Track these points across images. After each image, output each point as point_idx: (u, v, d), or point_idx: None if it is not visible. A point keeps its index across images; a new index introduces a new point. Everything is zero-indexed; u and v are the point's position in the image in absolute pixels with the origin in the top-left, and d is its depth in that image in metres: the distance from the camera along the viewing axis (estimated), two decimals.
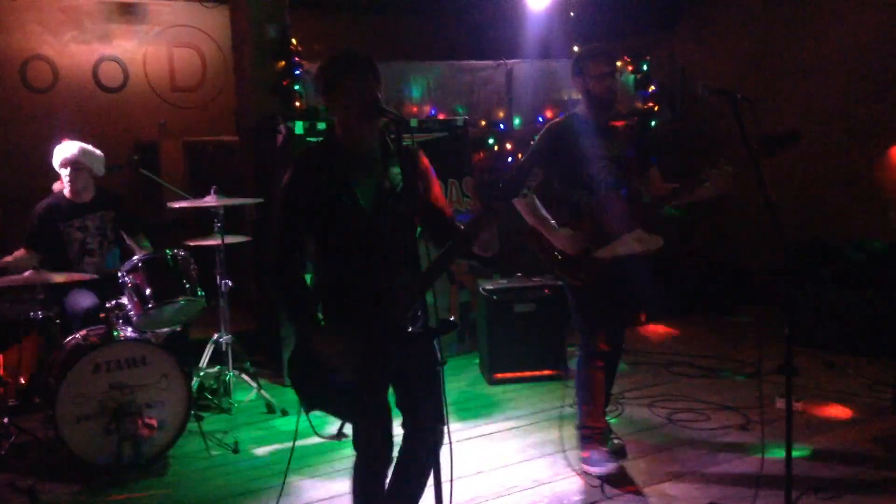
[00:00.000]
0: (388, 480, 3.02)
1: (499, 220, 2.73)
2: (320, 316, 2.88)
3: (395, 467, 3.04)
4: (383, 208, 2.85)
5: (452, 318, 2.87)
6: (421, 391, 2.92)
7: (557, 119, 4.20)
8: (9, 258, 4.97)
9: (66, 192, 5.11)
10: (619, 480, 4.03)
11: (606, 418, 4.39)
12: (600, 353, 4.10)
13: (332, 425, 4.65)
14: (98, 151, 5.16)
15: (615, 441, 4.32)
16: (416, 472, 3.05)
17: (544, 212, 4.08)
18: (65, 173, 5.05)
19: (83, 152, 5.06)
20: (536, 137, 4.16)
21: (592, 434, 4.18)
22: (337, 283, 2.89)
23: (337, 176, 2.82)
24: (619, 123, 4.15)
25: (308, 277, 3.09)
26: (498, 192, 2.71)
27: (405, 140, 2.70)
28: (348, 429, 2.98)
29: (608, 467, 4.09)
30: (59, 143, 5.13)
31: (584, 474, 4.09)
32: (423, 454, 2.98)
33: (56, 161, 5.06)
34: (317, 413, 2.90)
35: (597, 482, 3.99)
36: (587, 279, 4.01)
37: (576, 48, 7.83)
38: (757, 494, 3.65)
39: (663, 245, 4.02)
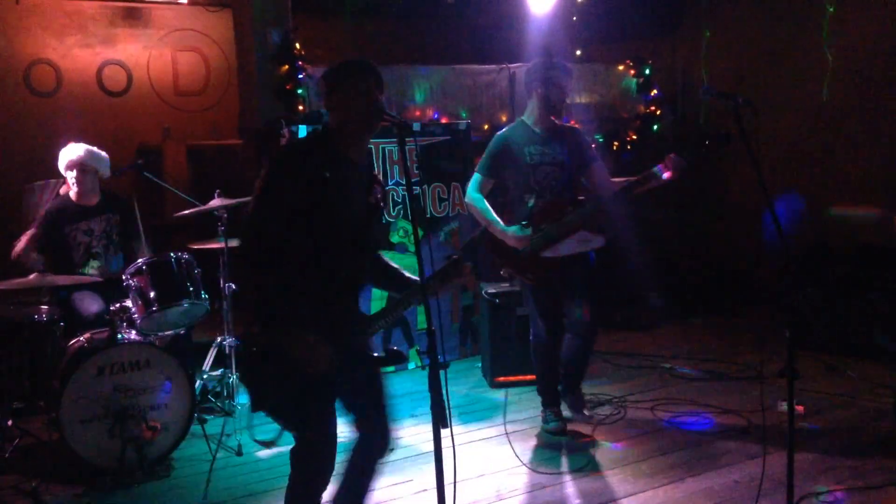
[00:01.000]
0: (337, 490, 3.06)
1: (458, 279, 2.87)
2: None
3: (344, 474, 3.06)
4: (365, 220, 2.92)
5: (400, 351, 2.98)
6: (368, 396, 2.97)
7: (504, 129, 4.62)
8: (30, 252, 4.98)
9: (72, 194, 5.13)
10: (622, 484, 4.04)
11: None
12: (546, 337, 4.59)
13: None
14: (103, 153, 5.18)
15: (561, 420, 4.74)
16: (364, 478, 3.09)
17: (493, 215, 4.46)
18: (71, 175, 5.06)
19: (89, 154, 5.08)
20: (488, 147, 4.59)
21: (543, 395, 4.79)
22: (308, 282, 2.79)
23: (334, 178, 2.80)
24: (565, 129, 4.56)
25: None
26: (482, 234, 2.96)
27: (408, 144, 2.75)
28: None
29: (558, 425, 4.67)
30: (64, 147, 5.15)
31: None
32: (370, 460, 3.05)
33: (62, 163, 5.07)
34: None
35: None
36: (536, 277, 4.42)
37: (577, 52, 7.88)
38: (759, 497, 3.66)
39: (606, 244, 4.43)
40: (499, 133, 4.61)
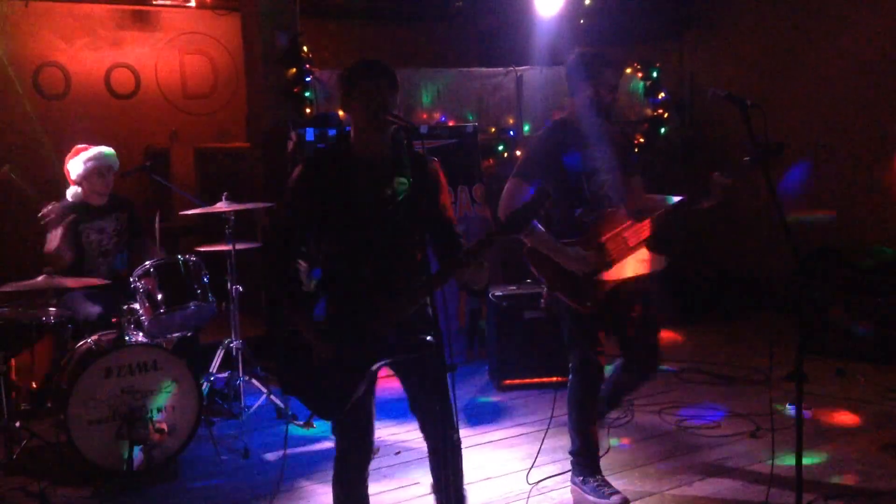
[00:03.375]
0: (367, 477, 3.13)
1: (491, 250, 2.78)
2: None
3: (431, 470, 3.14)
4: (381, 216, 2.90)
5: (430, 338, 2.79)
6: (428, 396, 2.96)
7: (547, 128, 3.96)
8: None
9: (84, 195, 5.15)
10: (629, 488, 4.03)
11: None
12: (594, 375, 3.86)
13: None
14: (108, 148, 5.21)
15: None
16: (447, 469, 3.04)
17: (544, 231, 3.74)
18: (96, 179, 5.10)
19: (101, 155, 5.12)
20: (527, 149, 3.94)
21: (586, 461, 3.90)
22: (333, 284, 2.97)
23: (341, 179, 2.90)
24: (614, 131, 3.94)
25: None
26: (501, 228, 2.74)
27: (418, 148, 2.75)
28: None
29: (613, 500, 3.76)
30: (72, 150, 5.16)
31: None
32: (446, 452, 3.00)
33: (79, 169, 5.08)
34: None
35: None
36: (593, 304, 3.72)
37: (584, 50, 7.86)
38: (767, 501, 3.64)
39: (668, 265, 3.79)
40: (542, 133, 3.95)
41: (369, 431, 3.08)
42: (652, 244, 3.73)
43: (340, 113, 6.32)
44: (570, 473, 4.01)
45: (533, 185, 3.74)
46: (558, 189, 3.72)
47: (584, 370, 3.84)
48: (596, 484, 3.84)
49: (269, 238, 3.03)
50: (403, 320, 2.86)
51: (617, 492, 3.80)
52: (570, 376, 3.91)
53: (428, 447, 3.11)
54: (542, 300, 4.00)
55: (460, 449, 3.01)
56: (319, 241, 2.99)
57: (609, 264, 3.71)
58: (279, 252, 2.96)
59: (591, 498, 3.83)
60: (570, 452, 3.97)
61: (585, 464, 3.90)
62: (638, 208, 3.85)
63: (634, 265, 3.74)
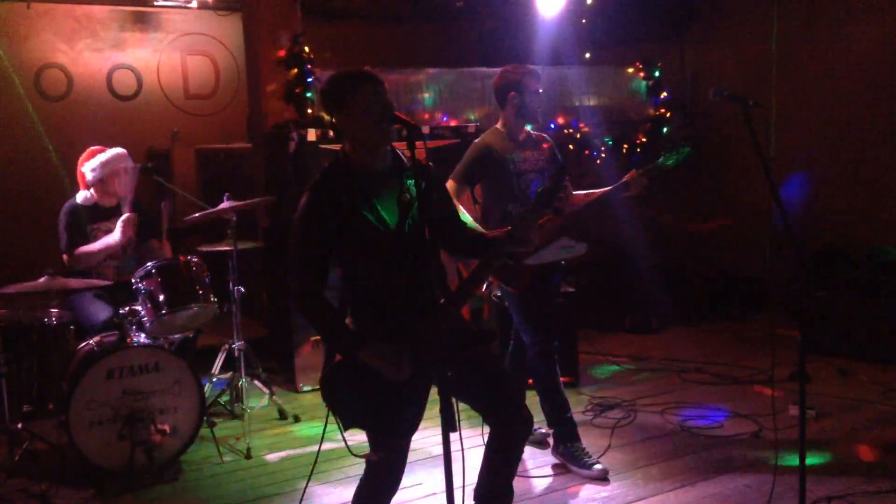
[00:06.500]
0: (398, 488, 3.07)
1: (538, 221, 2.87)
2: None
3: (488, 462, 3.26)
4: (407, 221, 2.86)
5: (491, 329, 2.91)
6: (493, 378, 3.04)
7: (480, 138, 4.45)
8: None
9: (98, 196, 5.15)
10: (632, 488, 4.02)
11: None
12: (549, 351, 4.31)
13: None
14: (117, 149, 5.21)
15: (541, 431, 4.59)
16: (507, 466, 3.27)
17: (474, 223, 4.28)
18: (112, 180, 5.10)
19: (116, 157, 5.13)
20: (466, 155, 4.37)
21: (564, 430, 4.33)
22: (370, 303, 2.89)
23: (357, 195, 2.81)
24: (539, 137, 4.45)
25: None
26: (535, 204, 2.84)
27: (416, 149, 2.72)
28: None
29: (595, 470, 4.16)
30: (86, 152, 5.16)
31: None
32: (517, 442, 3.20)
33: (97, 173, 5.07)
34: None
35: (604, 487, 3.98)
36: (520, 286, 4.22)
37: (587, 55, 7.86)
38: (770, 501, 3.64)
39: (587, 251, 4.20)
40: (477, 141, 4.43)
41: (407, 450, 3.03)
42: (572, 233, 4.16)
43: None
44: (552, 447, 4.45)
45: (468, 187, 4.38)
46: (494, 188, 4.32)
47: (538, 347, 4.31)
48: (578, 452, 4.27)
49: (297, 276, 2.82)
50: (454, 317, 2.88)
51: (598, 462, 4.21)
52: (529, 356, 4.37)
53: (497, 432, 3.17)
54: (495, 293, 4.50)
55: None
56: (344, 263, 2.88)
57: (532, 252, 4.05)
58: (311, 287, 2.82)
59: (573, 466, 4.25)
60: (549, 424, 4.42)
61: (564, 432, 4.33)
62: (564, 205, 4.28)
63: (556, 252, 4.17)
